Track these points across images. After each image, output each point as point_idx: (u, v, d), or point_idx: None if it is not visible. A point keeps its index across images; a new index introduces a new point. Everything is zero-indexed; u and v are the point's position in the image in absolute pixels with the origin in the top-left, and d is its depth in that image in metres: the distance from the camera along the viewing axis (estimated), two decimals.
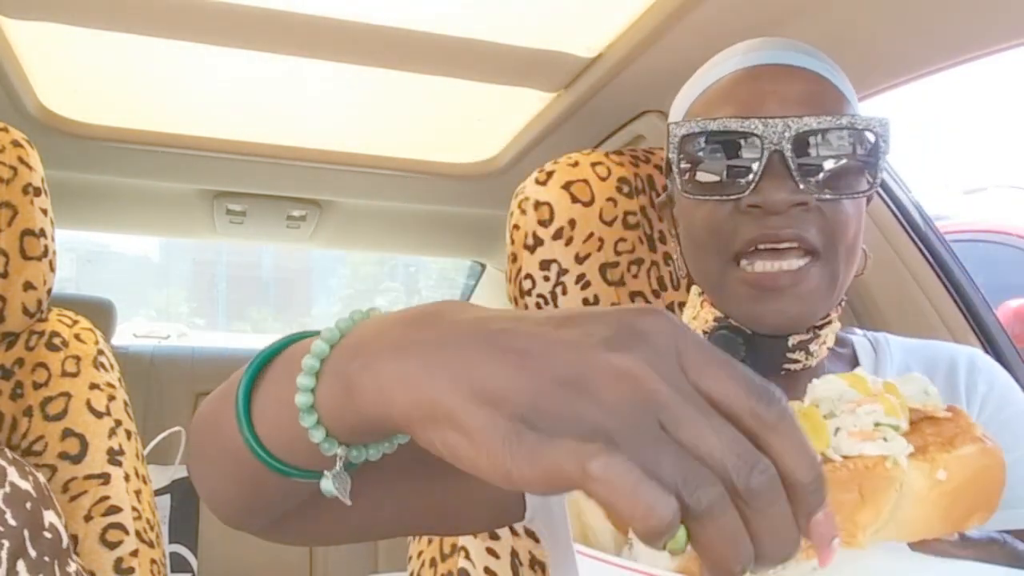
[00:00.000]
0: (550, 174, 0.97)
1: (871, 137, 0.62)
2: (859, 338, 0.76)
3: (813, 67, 0.65)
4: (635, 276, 0.98)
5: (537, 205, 0.96)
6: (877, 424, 0.35)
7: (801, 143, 0.61)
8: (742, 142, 0.62)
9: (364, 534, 0.55)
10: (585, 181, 0.97)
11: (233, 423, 0.42)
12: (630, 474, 0.28)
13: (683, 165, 0.65)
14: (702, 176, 0.64)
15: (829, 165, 0.62)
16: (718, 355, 0.32)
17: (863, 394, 0.36)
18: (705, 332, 0.68)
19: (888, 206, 1.12)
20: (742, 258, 0.63)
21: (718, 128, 0.62)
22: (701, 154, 0.64)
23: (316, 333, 0.40)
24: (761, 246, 0.62)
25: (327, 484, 0.40)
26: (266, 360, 0.43)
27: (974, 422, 0.37)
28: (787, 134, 0.60)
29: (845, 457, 0.35)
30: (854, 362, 0.73)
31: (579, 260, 0.95)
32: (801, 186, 0.60)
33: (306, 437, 0.38)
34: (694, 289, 0.71)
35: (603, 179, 0.97)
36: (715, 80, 0.68)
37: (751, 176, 0.61)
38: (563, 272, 0.95)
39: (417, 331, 0.34)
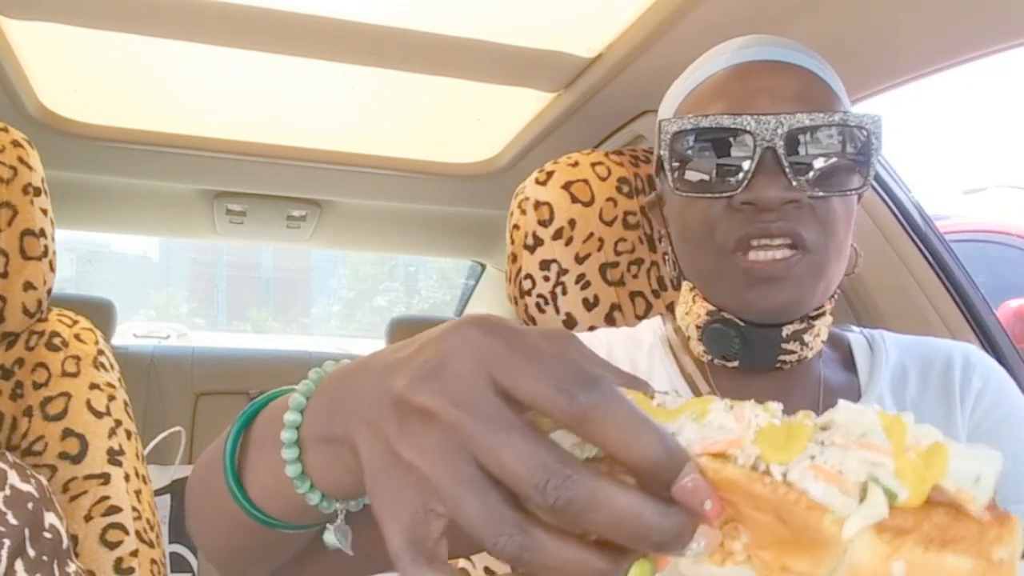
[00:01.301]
0: (550, 174, 0.97)
1: (863, 134, 0.62)
2: (855, 335, 0.75)
3: (804, 63, 0.65)
4: (635, 276, 0.98)
5: (537, 205, 0.96)
6: (873, 480, 0.29)
7: (793, 140, 0.60)
8: (734, 139, 0.61)
9: (364, 572, 0.56)
10: (585, 181, 0.97)
11: (225, 488, 0.42)
12: (413, 564, 0.29)
13: (674, 163, 0.65)
14: (693, 174, 0.64)
15: (821, 162, 0.61)
16: (529, 350, 0.31)
17: (891, 441, 0.29)
18: (698, 327, 0.68)
19: (888, 206, 1.12)
20: (736, 252, 0.63)
21: (710, 125, 0.62)
22: (692, 151, 0.64)
23: (290, 390, 0.41)
24: (754, 242, 0.62)
25: (329, 537, 0.41)
26: (248, 421, 0.44)
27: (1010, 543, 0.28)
28: (779, 131, 0.60)
29: (786, 482, 0.29)
30: (849, 361, 0.73)
31: (579, 260, 0.95)
32: (794, 183, 0.60)
33: (303, 499, 0.39)
34: (685, 284, 0.71)
35: (603, 179, 0.97)
36: (706, 77, 0.67)
37: (743, 173, 0.61)
38: (563, 272, 0.95)
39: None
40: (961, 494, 0.28)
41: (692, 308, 0.69)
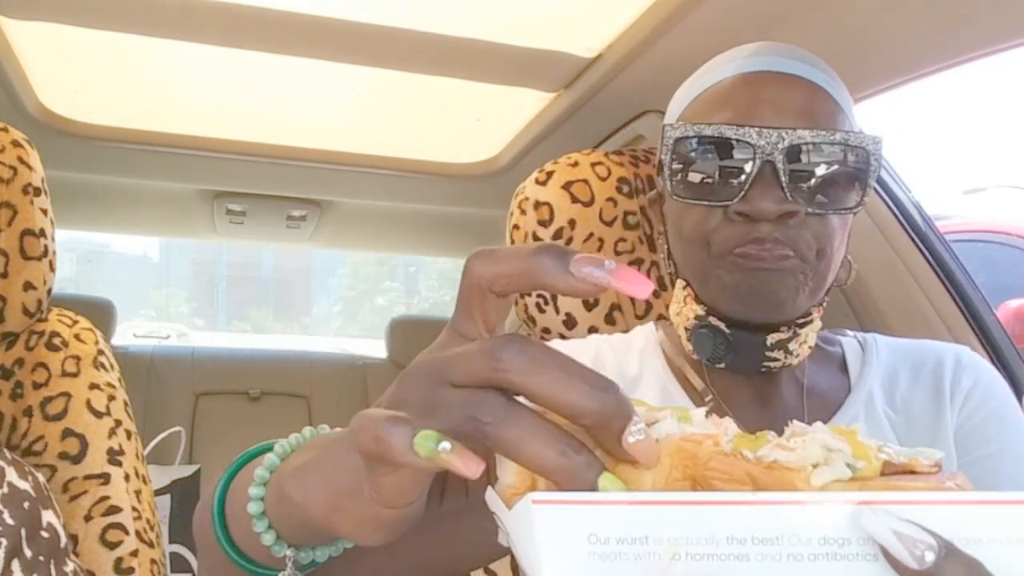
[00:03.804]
0: (550, 174, 0.97)
1: (863, 154, 0.63)
2: (848, 339, 0.76)
3: (811, 76, 0.65)
4: None
5: (537, 205, 0.96)
6: (828, 449, 0.34)
7: (793, 155, 0.61)
8: (735, 149, 0.62)
9: None
10: (585, 181, 0.97)
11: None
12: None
13: (675, 167, 0.65)
14: (693, 179, 0.64)
15: (819, 179, 0.62)
16: (460, 353, 0.32)
17: (851, 448, 0.35)
18: (686, 328, 0.69)
19: (888, 206, 1.11)
20: (728, 255, 0.64)
21: (712, 133, 0.62)
22: (694, 156, 0.64)
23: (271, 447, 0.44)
24: (747, 247, 0.62)
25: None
26: (241, 466, 0.46)
27: (960, 485, 0.34)
28: (780, 145, 0.60)
29: (758, 458, 0.34)
30: (842, 364, 0.74)
31: None
32: (790, 197, 0.61)
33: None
34: (679, 283, 0.72)
35: (603, 179, 0.97)
36: (712, 83, 0.68)
37: (741, 184, 0.62)
38: None
39: (330, 444, 0.38)
40: (912, 460, 0.35)
41: (683, 309, 0.70)
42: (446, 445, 0.30)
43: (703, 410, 0.36)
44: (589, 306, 0.96)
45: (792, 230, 0.62)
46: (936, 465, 0.35)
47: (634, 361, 0.73)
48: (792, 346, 0.66)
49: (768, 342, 0.66)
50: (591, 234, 0.96)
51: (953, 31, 0.84)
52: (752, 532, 0.33)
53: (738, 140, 0.61)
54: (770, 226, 0.61)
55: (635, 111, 1.22)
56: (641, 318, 0.97)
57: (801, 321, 0.66)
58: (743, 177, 0.62)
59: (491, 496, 0.37)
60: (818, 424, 0.35)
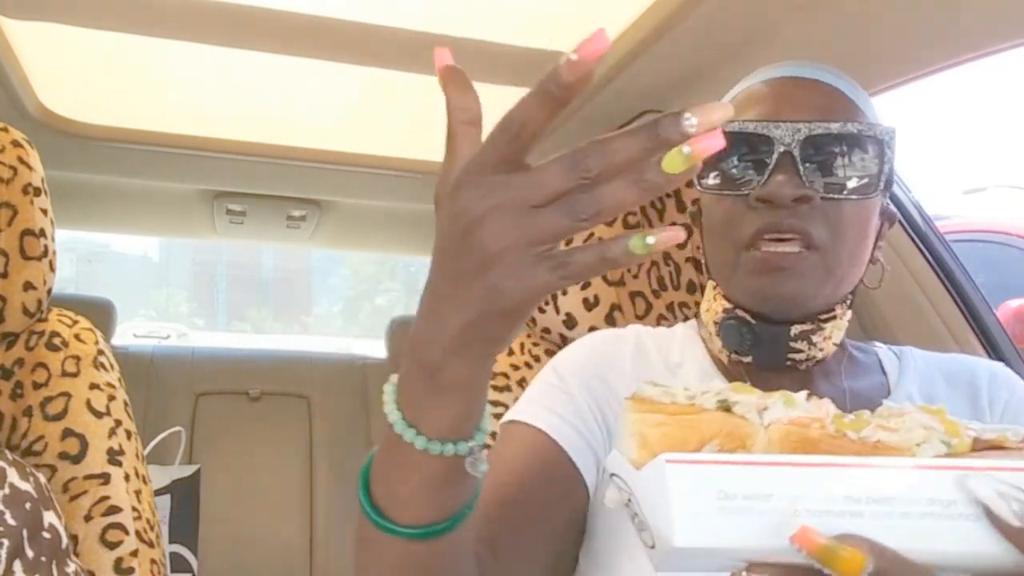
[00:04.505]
0: None
1: (877, 144, 0.67)
2: (883, 349, 0.79)
3: (829, 80, 0.70)
4: (635, 276, 0.98)
5: None
6: (925, 427, 0.38)
7: (810, 145, 0.66)
8: (757, 143, 0.67)
9: None
10: None
11: (380, 539, 0.48)
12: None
13: (706, 163, 0.68)
14: (720, 174, 0.69)
15: (835, 167, 0.66)
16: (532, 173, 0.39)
17: (943, 427, 0.38)
18: (715, 322, 0.73)
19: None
20: (750, 248, 0.67)
21: (736, 129, 0.67)
22: (721, 154, 0.67)
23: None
24: (766, 236, 0.66)
25: (470, 466, 0.46)
26: (370, 467, 0.49)
27: None
28: (797, 136, 0.65)
29: (861, 439, 0.38)
30: (879, 367, 0.76)
31: None
32: (806, 183, 0.65)
33: (429, 485, 0.45)
34: (709, 284, 0.76)
35: None
36: (742, 90, 0.74)
37: (762, 173, 0.66)
38: None
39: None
40: (1000, 437, 0.39)
41: (712, 305, 0.74)
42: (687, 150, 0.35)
43: (804, 393, 0.39)
44: (589, 306, 0.96)
45: (806, 216, 0.66)
46: (1023, 441, 0.39)
47: (676, 347, 0.77)
48: (816, 338, 0.69)
49: (792, 332, 0.69)
50: (591, 234, 0.96)
51: (953, 31, 0.84)
52: (867, 492, 0.36)
53: (759, 134, 0.66)
54: (786, 212, 0.65)
55: (635, 111, 1.22)
56: (641, 318, 0.97)
57: (824, 316, 0.69)
58: (764, 167, 0.66)
59: (615, 459, 0.41)
60: (908, 404, 0.39)
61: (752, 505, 0.36)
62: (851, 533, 0.36)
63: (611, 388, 0.71)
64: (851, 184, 0.67)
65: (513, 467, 0.66)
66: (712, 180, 0.70)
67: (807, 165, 0.65)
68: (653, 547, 0.38)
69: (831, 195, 0.66)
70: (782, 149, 0.65)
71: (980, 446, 0.39)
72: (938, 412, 0.40)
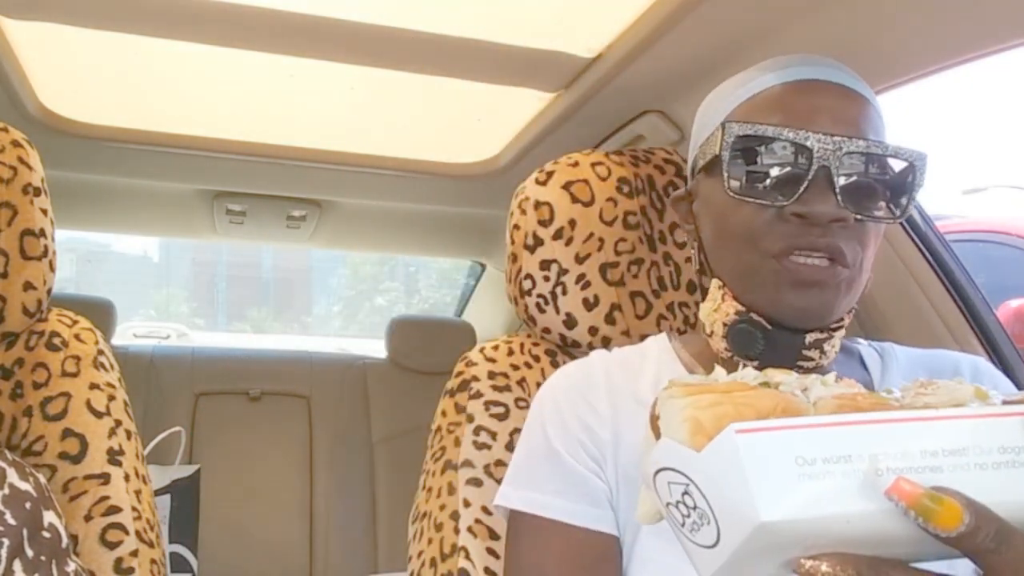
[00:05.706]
0: (550, 174, 0.97)
1: (909, 168, 0.66)
2: (864, 347, 0.78)
3: (860, 90, 0.69)
4: (635, 276, 0.98)
5: (537, 205, 0.96)
6: (958, 392, 0.40)
7: (848, 163, 0.64)
8: (794, 153, 0.65)
9: None
10: (585, 181, 0.97)
11: None
12: None
13: (734, 164, 0.67)
14: (750, 178, 0.67)
15: (869, 188, 0.66)
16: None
17: (973, 391, 0.40)
18: (725, 324, 0.71)
19: None
20: (778, 257, 0.66)
21: (774, 135, 0.65)
22: (753, 156, 0.67)
23: None
24: (797, 251, 0.65)
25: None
26: None
27: None
28: (838, 152, 0.64)
29: (902, 404, 0.39)
30: (861, 363, 0.76)
31: (579, 260, 0.95)
32: (842, 203, 0.64)
33: None
34: (715, 283, 0.73)
35: (603, 179, 0.97)
36: (763, 88, 0.70)
37: (798, 186, 0.64)
38: (563, 272, 0.95)
39: None
40: None
41: (721, 306, 0.71)
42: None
43: (833, 374, 0.39)
44: (589, 306, 0.96)
45: (839, 235, 0.65)
46: None
47: (650, 365, 0.75)
48: (827, 347, 0.69)
49: (806, 340, 0.68)
50: (591, 234, 0.96)
51: (953, 31, 0.84)
52: (942, 445, 0.36)
53: (798, 144, 0.64)
54: (820, 230, 0.64)
55: (635, 111, 1.22)
56: (641, 318, 0.97)
57: (835, 325, 0.69)
58: (799, 180, 0.64)
59: (665, 450, 0.38)
60: (937, 380, 0.40)
61: (833, 468, 0.34)
62: (944, 487, 0.35)
63: (593, 429, 0.71)
64: (881, 205, 0.66)
65: (560, 572, 0.67)
66: (739, 181, 0.68)
67: (843, 181, 0.64)
68: (715, 544, 0.36)
69: (863, 215, 0.65)
70: (821, 163, 0.64)
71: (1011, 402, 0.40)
72: (959, 382, 0.40)
